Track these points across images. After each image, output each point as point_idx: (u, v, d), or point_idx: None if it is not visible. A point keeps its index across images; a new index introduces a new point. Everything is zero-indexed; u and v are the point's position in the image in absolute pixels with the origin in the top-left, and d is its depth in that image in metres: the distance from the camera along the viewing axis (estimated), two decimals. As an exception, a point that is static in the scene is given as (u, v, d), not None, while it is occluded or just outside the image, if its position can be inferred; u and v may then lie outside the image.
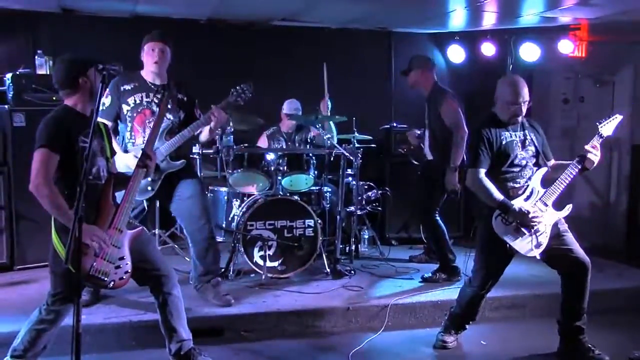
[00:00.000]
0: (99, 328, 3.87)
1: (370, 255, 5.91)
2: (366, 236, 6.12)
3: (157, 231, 5.54)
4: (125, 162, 4.02)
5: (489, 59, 6.46)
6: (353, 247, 5.72)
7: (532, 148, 3.75)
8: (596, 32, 6.04)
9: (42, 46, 5.59)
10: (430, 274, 5.04)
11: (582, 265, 3.65)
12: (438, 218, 5.14)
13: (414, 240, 6.27)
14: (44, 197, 2.98)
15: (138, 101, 4.13)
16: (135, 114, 4.12)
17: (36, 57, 5.33)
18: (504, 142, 3.66)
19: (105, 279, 3.03)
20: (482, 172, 3.62)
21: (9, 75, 5.06)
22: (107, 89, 4.05)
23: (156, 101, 4.12)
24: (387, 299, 4.48)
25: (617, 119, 3.71)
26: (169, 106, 4.04)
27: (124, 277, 3.11)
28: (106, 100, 4.06)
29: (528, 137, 3.74)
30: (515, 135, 3.71)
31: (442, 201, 5.16)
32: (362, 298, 4.57)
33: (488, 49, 6.42)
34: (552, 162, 3.85)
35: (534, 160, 3.75)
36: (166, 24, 6.34)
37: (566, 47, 5.95)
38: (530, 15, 5.55)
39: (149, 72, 4.20)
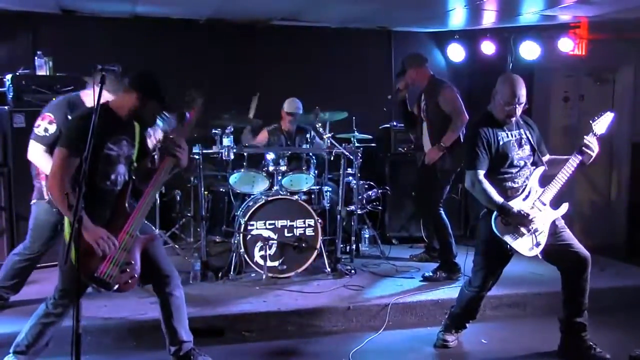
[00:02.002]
0: (100, 328, 3.87)
1: (371, 255, 5.90)
2: (367, 235, 6.12)
3: (157, 231, 5.54)
4: None
5: (489, 58, 6.46)
6: (353, 247, 5.71)
7: (528, 147, 3.73)
8: (596, 30, 6.04)
9: (42, 47, 5.59)
10: (430, 273, 5.04)
11: (583, 259, 3.65)
12: (442, 212, 5.14)
13: (414, 239, 6.27)
14: (54, 196, 3.02)
15: None
16: None
17: (36, 57, 5.32)
18: (501, 143, 3.65)
19: (110, 281, 3.03)
20: (482, 173, 3.60)
21: (9, 76, 5.06)
22: (53, 116, 3.89)
23: None
24: (387, 298, 4.48)
25: (609, 116, 3.72)
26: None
27: (130, 281, 3.10)
28: (50, 127, 3.87)
29: (524, 135, 3.73)
30: (511, 134, 3.70)
31: (446, 194, 5.16)
32: (362, 297, 4.57)
33: (488, 48, 6.42)
34: (547, 157, 3.85)
35: (531, 159, 3.74)
36: (165, 24, 6.36)
37: (566, 45, 5.95)
38: (530, 13, 5.55)
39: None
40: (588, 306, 3.74)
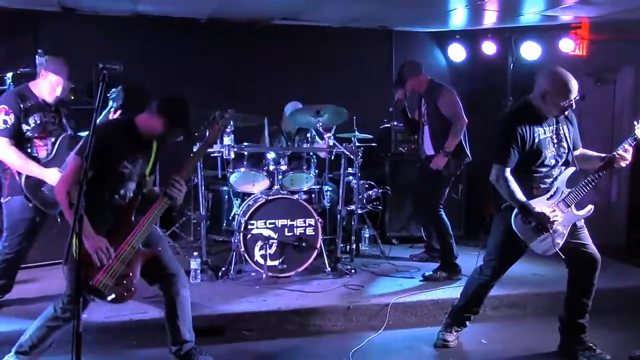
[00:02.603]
0: (100, 327, 3.87)
1: (371, 254, 5.90)
2: (367, 235, 6.12)
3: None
4: (50, 177, 3.86)
5: (489, 58, 6.46)
6: (354, 246, 5.71)
7: (565, 144, 3.61)
8: (597, 31, 6.04)
9: (43, 45, 5.58)
10: (431, 273, 5.03)
11: (593, 260, 3.63)
12: (443, 213, 5.14)
13: (414, 239, 6.27)
14: (60, 200, 3.03)
15: (38, 121, 3.95)
16: (36, 133, 3.94)
17: (37, 56, 5.32)
18: (536, 140, 3.51)
19: (105, 291, 3.02)
20: (508, 170, 3.52)
21: (9, 75, 5.06)
22: (7, 107, 3.84)
23: (52, 120, 4.01)
24: (387, 298, 4.48)
25: None
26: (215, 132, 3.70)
27: (125, 294, 3.09)
28: (8, 118, 3.83)
29: (561, 131, 3.60)
30: (548, 130, 3.56)
31: (445, 195, 5.16)
32: (362, 297, 4.57)
33: (489, 48, 6.42)
34: (580, 150, 3.76)
35: (564, 158, 3.62)
36: (166, 23, 6.37)
37: (567, 45, 5.95)
38: (531, 13, 5.55)
39: (42, 94, 4.00)
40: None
